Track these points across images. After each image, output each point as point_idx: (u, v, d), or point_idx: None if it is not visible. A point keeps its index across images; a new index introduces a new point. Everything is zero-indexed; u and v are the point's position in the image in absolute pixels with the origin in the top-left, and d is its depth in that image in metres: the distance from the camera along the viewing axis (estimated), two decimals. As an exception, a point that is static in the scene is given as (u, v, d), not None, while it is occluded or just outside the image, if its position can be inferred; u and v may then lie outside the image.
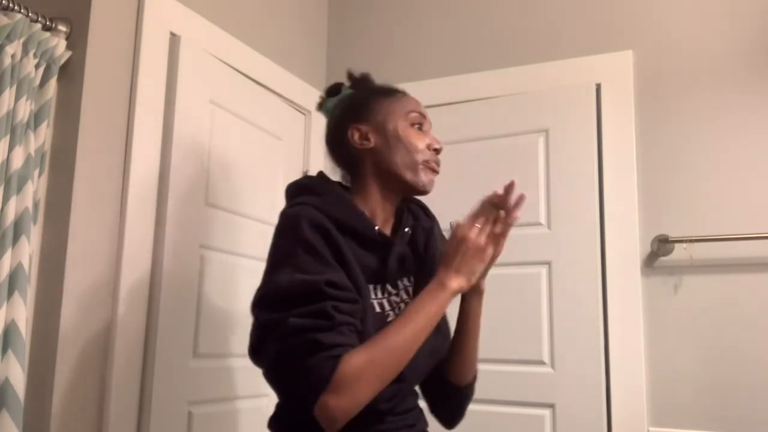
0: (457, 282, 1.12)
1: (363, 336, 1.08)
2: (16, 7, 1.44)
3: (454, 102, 2.29)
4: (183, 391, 1.75)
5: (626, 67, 2.10)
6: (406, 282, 1.26)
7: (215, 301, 1.89)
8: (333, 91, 1.36)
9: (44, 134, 1.49)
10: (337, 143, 1.30)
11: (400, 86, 1.34)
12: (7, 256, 1.36)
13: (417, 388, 1.30)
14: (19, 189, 1.40)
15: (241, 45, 2.08)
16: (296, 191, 1.24)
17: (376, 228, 1.21)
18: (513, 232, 1.17)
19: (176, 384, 1.73)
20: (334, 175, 1.33)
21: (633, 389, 1.93)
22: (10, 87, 1.41)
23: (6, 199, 1.38)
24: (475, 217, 1.14)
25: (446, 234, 1.30)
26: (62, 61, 1.54)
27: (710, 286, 1.92)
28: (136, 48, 1.70)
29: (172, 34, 1.80)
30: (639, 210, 2.02)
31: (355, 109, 1.27)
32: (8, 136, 1.40)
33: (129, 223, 1.63)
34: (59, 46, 1.53)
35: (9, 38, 1.42)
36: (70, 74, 1.56)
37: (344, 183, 1.31)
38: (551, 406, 2.01)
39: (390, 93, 1.29)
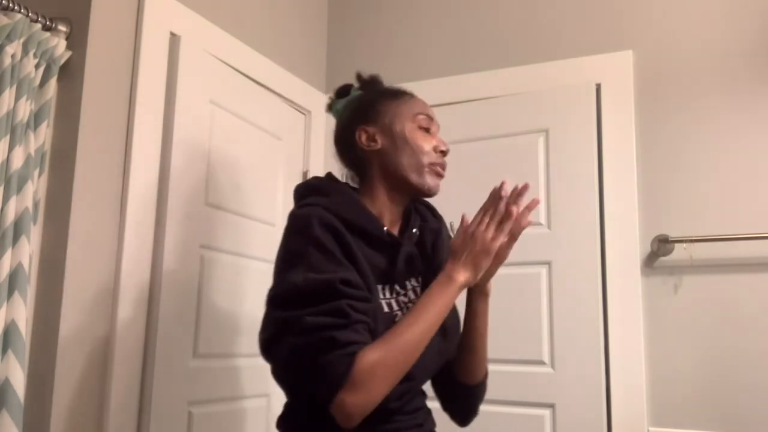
0: (464, 275, 1.12)
1: (373, 335, 1.09)
2: (16, 7, 1.44)
3: (454, 102, 2.29)
4: (183, 391, 1.75)
5: (626, 67, 2.10)
6: (414, 282, 1.27)
7: (216, 301, 1.89)
8: (342, 92, 1.37)
9: (44, 134, 1.49)
10: (345, 144, 1.31)
11: (401, 86, 1.34)
12: (7, 256, 1.37)
13: (427, 388, 1.31)
14: (19, 189, 1.40)
15: (241, 45, 2.09)
16: (305, 192, 1.24)
17: (385, 228, 1.21)
18: (513, 232, 1.17)
19: (176, 384, 1.73)
20: (343, 176, 1.34)
21: (633, 389, 1.93)
22: (10, 87, 1.41)
23: (6, 199, 1.38)
24: (483, 210, 1.15)
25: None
26: (62, 61, 1.54)
27: (710, 286, 1.92)
28: (136, 48, 1.70)
29: (172, 34, 1.80)
30: (639, 210, 2.02)
31: (363, 111, 1.28)
32: (8, 136, 1.40)
33: (129, 223, 1.63)
34: (59, 46, 1.53)
35: (9, 38, 1.42)
36: (70, 74, 1.56)
37: (352, 184, 1.32)
38: (551, 406, 2.01)
39: (398, 95, 1.30)
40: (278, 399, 2.09)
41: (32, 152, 1.44)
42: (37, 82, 1.49)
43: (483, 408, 1.37)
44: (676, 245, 1.95)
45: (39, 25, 1.50)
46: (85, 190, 1.54)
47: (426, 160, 1.23)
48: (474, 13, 2.37)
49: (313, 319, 1.04)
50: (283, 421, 1.21)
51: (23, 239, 1.38)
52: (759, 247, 1.87)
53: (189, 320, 1.79)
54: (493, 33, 2.33)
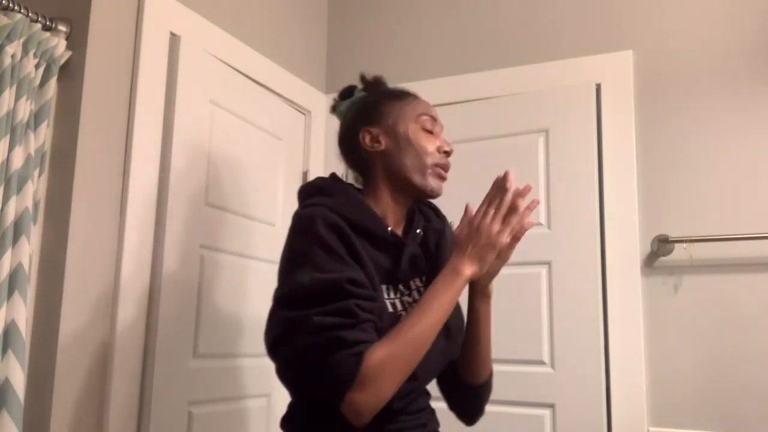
0: (470, 269, 1.12)
1: (379, 334, 1.09)
2: (16, 7, 1.44)
3: (454, 102, 2.29)
4: (183, 391, 1.75)
5: (626, 67, 2.10)
6: (418, 282, 1.27)
7: (216, 300, 1.89)
8: (346, 93, 1.38)
9: (44, 134, 1.49)
10: (349, 146, 1.31)
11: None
12: (7, 256, 1.37)
13: (431, 388, 1.31)
14: (19, 189, 1.40)
15: (241, 45, 2.09)
16: (309, 192, 1.25)
17: (389, 228, 1.22)
18: (513, 232, 1.17)
19: (176, 384, 1.73)
20: (346, 177, 1.34)
21: (633, 389, 1.93)
22: (10, 87, 1.41)
23: (6, 199, 1.39)
24: (488, 201, 1.15)
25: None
26: (62, 61, 1.54)
27: (710, 286, 1.92)
28: (136, 48, 1.70)
29: (172, 34, 1.80)
30: (639, 210, 2.02)
31: (367, 112, 1.29)
32: (8, 136, 1.40)
33: (129, 223, 1.63)
34: (59, 46, 1.53)
35: (9, 38, 1.42)
36: (70, 74, 1.56)
37: (356, 185, 1.32)
38: (551, 406, 2.01)
39: (401, 96, 1.30)
40: (278, 399, 2.09)
41: (32, 152, 1.44)
42: (37, 82, 1.49)
43: (484, 408, 1.37)
44: (676, 245, 1.95)
45: (39, 25, 1.50)
46: (85, 190, 1.54)
47: (429, 161, 1.24)
48: (474, 13, 2.37)
49: (320, 319, 1.04)
50: (286, 421, 1.21)
51: (23, 239, 1.38)
52: (759, 247, 1.87)
53: (189, 320, 1.79)
54: (493, 33, 2.33)
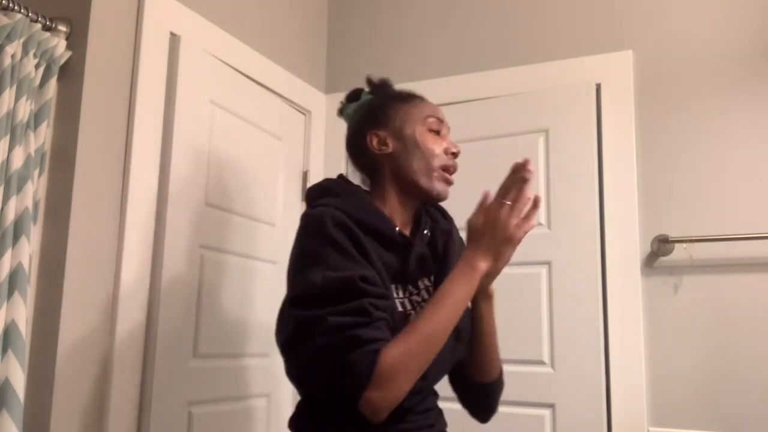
0: (486, 264, 1.11)
1: (392, 333, 1.08)
2: (16, 7, 1.44)
3: (454, 102, 2.29)
4: (183, 391, 1.75)
5: (626, 67, 2.10)
6: (426, 282, 1.28)
7: (216, 300, 1.89)
8: (353, 96, 1.38)
9: (44, 134, 1.49)
10: (356, 149, 1.32)
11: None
12: (7, 256, 1.37)
13: (440, 388, 1.31)
14: (19, 189, 1.40)
15: (241, 45, 2.09)
16: (317, 193, 1.25)
17: (397, 228, 1.22)
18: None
19: (176, 384, 1.73)
20: (354, 178, 1.34)
21: (633, 389, 1.93)
22: (10, 87, 1.41)
23: (6, 199, 1.39)
24: (504, 191, 1.12)
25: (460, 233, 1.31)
26: (62, 61, 1.54)
27: (710, 286, 1.92)
28: (136, 48, 1.70)
29: (172, 34, 1.80)
30: (639, 210, 2.02)
31: (374, 115, 1.29)
32: (8, 136, 1.40)
33: (129, 222, 1.63)
34: (59, 46, 1.53)
35: (9, 38, 1.42)
36: (70, 74, 1.56)
37: (364, 187, 1.32)
38: (551, 406, 2.01)
39: (408, 98, 1.31)
40: (279, 399, 2.09)
41: (32, 152, 1.44)
42: (37, 82, 1.49)
43: (483, 408, 1.37)
44: (676, 245, 1.95)
45: (39, 25, 1.50)
46: (85, 190, 1.54)
47: (436, 163, 1.24)
48: (474, 13, 2.37)
49: (335, 318, 1.04)
50: (295, 421, 1.21)
51: (23, 239, 1.38)
52: (759, 247, 1.87)
53: (189, 320, 1.79)
54: (493, 33, 2.33)
